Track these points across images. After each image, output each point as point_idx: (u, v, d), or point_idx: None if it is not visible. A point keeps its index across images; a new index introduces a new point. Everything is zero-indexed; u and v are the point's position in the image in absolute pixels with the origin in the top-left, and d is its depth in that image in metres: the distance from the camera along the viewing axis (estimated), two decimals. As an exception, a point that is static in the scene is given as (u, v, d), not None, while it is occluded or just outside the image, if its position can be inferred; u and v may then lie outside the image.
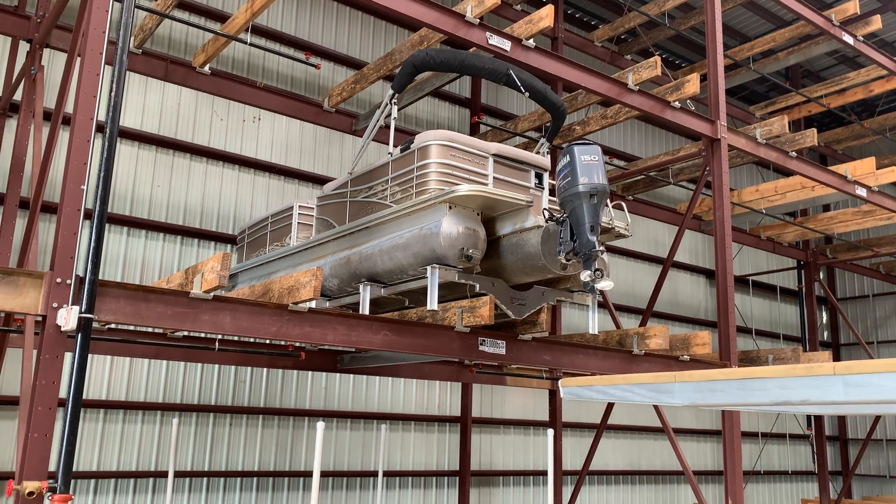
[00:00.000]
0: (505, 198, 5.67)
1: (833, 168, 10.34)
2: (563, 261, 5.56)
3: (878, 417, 14.59)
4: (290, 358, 7.49)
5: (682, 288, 14.96)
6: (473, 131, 11.88)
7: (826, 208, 16.98)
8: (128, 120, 9.26)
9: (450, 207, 5.62)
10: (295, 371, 9.87)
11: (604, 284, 5.37)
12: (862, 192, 10.41)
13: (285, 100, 8.89)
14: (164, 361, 8.97)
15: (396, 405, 10.90)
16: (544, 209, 5.95)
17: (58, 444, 4.27)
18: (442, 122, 12.02)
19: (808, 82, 16.08)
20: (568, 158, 5.49)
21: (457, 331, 6.06)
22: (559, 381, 4.97)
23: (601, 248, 5.43)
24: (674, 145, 15.14)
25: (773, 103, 14.38)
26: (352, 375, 10.40)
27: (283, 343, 7.62)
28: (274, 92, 9.12)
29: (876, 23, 11.39)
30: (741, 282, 15.89)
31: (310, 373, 10.09)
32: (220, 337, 6.94)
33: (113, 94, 4.62)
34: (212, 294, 4.88)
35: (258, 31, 10.20)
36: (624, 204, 6.41)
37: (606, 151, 13.09)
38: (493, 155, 6.13)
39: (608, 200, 6.20)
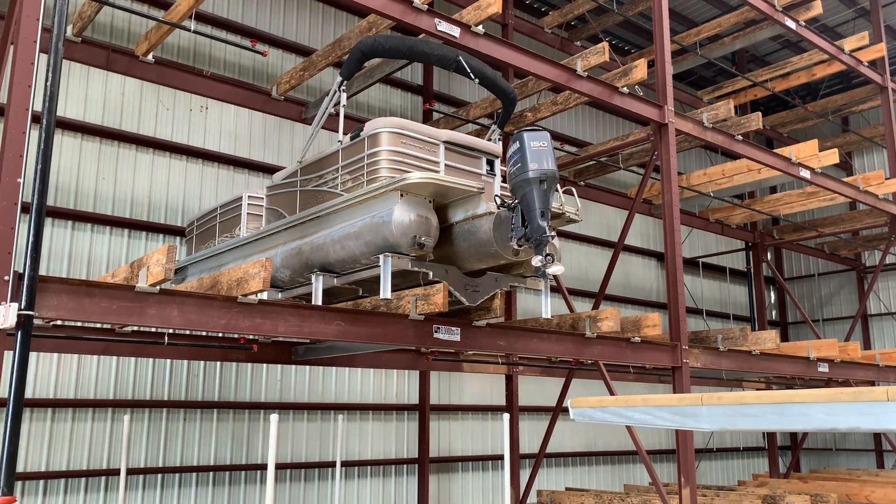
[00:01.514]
0: (457, 185, 5.66)
1: (778, 151, 10.57)
2: (515, 246, 5.59)
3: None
4: (242, 351, 7.39)
5: (633, 271, 15.18)
6: (426, 118, 11.84)
7: (772, 190, 17.37)
8: (70, 111, 8.99)
9: (401, 195, 5.60)
10: (249, 364, 9.75)
11: (555, 269, 5.41)
12: (806, 173, 10.66)
13: (233, 88, 8.74)
14: (114, 357, 8.78)
15: (353, 395, 10.86)
16: (496, 196, 5.97)
17: (0, 445, 4.15)
18: (394, 110, 11.95)
19: (754, 67, 16.39)
20: (518, 145, 5.51)
21: (411, 319, 6.04)
22: (568, 402, 4.75)
23: (552, 233, 5.46)
24: (624, 130, 15.31)
25: (719, 88, 14.62)
26: (307, 367, 10.32)
27: (235, 336, 7.52)
28: (221, 80, 8.97)
29: (817, 8, 11.64)
30: (691, 264, 16.19)
31: (264, 365, 9.98)
32: (169, 331, 6.81)
33: (49, 83, 4.48)
34: (158, 287, 4.78)
35: (203, 18, 9.97)
36: (574, 189, 6.45)
37: (557, 137, 13.18)
38: (444, 142, 6.12)
39: (558, 186, 6.25)
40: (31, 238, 4.32)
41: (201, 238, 8.22)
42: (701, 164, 16.97)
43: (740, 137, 9.81)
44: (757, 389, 15.68)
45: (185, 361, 9.32)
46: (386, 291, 5.56)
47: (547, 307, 6.57)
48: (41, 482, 8.17)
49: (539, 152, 5.45)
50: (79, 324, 7.18)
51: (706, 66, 16.08)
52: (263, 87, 9.78)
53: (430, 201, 5.76)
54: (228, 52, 10.27)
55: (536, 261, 5.34)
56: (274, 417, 5.55)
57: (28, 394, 8.22)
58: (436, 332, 6.15)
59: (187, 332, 7.41)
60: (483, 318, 6.44)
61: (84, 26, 7.32)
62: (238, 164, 10.23)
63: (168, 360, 9.21)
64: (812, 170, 10.73)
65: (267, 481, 5.52)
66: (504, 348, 6.61)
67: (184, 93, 9.65)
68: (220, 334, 8.18)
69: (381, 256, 5.59)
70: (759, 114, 10.01)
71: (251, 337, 7.46)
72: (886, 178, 12.43)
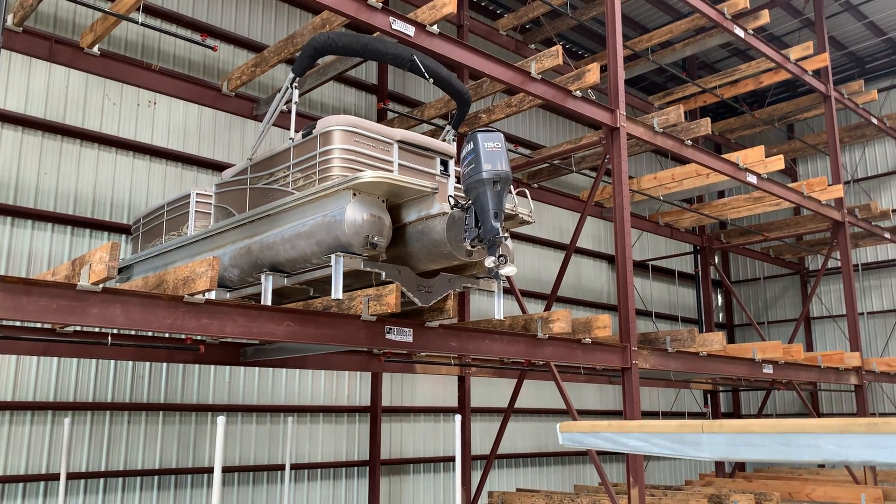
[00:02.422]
0: (410, 185, 5.62)
1: (726, 156, 10.77)
2: (469, 247, 5.57)
3: (768, 393, 15.37)
4: (189, 352, 7.22)
5: (585, 273, 15.32)
6: (380, 118, 11.76)
7: (721, 195, 17.72)
8: (10, 103, 8.69)
9: (354, 194, 5.53)
10: (196, 365, 9.54)
11: (508, 270, 5.41)
12: (752, 179, 10.89)
13: (182, 83, 8.55)
14: (54, 358, 8.51)
15: (304, 397, 10.72)
16: (450, 196, 5.94)
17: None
18: (348, 108, 11.85)
19: (704, 73, 16.71)
20: (472, 145, 5.49)
21: (363, 320, 5.97)
22: (557, 426, 4.62)
23: (505, 234, 5.46)
24: (577, 134, 15.46)
25: (670, 93, 14.87)
26: (256, 368, 10.15)
27: (181, 336, 7.34)
28: (170, 75, 8.76)
29: (764, 17, 11.91)
30: (641, 266, 16.41)
31: (212, 366, 9.79)
32: (113, 331, 6.61)
33: (-14, 73, 4.29)
34: (101, 286, 4.63)
35: (152, 11, 9.75)
36: (527, 191, 6.48)
37: (511, 140, 13.23)
38: (397, 141, 6.07)
39: (512, 187, 6.26)
40: (-36, 234, 4.13)
41: (147, 236, 8.02)
42: (651, 169, 17.23)
43: (690, 142, 9.98)
44: (703, 391, 15.98)
45: (130, 363, 9.09)
46: (337, 292, 5.48)
47: (500, 308, 6.58)
48: (-24, 488, 7.88)
49: (493, 153, 5.44)
50: (17, 323, 6.94)
51: (657, 72, 16.34)
52: (214, 83, 9.59)
53: (383, 201, 5.71)
54: (178, 47, 10.05)
55: (489, 262, 5.33)
56: (221, 420, 5.42)
57: (-38, 396, 7.91)
58: (388, 333, 6.09)
59: (132, 333, 7.22)
60: (436, 318, 6.40)
61: (26, 16, 7.07)
62: (187, 160, 10.02)
63: (112, 361, 8.97)
64: (758, 175, 10.97)
65: (214, 485, 5.40)
66: (456, 349, 6.59)
67: (131, 87, 9.41)
68: (166, 335, 7.99)
69: (333, 256, 5.51)
70: (708, 119, 10.20)
71: (198, 337, 7.30)
72: (829, 185, 12.78)
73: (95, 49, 7.58)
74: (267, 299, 6.05)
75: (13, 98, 8.73)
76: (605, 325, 7.70)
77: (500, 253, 5.34)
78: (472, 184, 5.42)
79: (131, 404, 9.03)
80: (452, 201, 5.78)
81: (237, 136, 10.53)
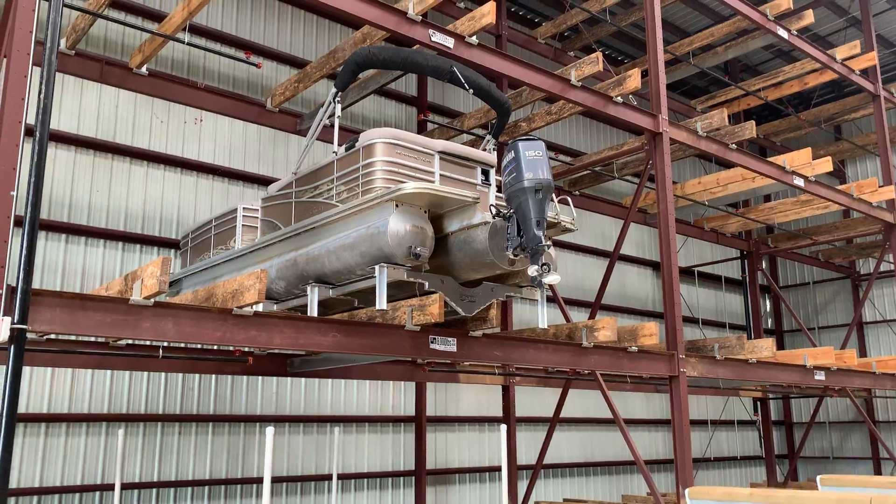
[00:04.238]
0: (452, 195, 5.65)
1: (772, 159, 10.60)
2: (511, 256, 5.57)
3: (820, 400, 15.01)
4: (238, 363, 7.35)
5: (629, 280, 15.17)
6: (420, 129, 11.84)
7: (767, 199, 17.43)
8: (63, 124, 8.97)
9: (396, 206, 5.58)
10: (245, 376, 9.70)
11: (551, 279, 5.40)
12: (799, 181, 10.69)
13: (227, 100, 8.74)
14: (108, 371, 8.72)
15: (350, 407, 10.80)
16: (491, 205, 5.95)
17: (-7, 461, 4.11)
18: (388, 121, 11.96)
19: (747, 76, 16.46)
20: (513, 154, 5.51)
21: (407, 329, 6.02)
22: (686, 492, 4.27)
23: (548, 242, 5.46)
24: (618, 140, 15.34)
25: (713, 97, 14.68)
26: (303, 379, 10.27)
27: (230, 348, 7.47)
28: (215, 92, 8.96)
29: (808, 17, 11.71)
30: (687, 273, 16.20)
31: (260, 378, 9.93)
32: (164, 344, 6.76)
33: (42, 95, 4.46)
34: (152, 300, 4.75)
35: (197, 30, 9.98)
36: (569, 199, 6.45)
37: (552, 148, 13.20)
38: (438, 152, 6.12)
39: (553, 195, 6.26)
40: (24, 251, 4.30)
41: (196, 251, 8.19)
42: (695, 173, 17.00)
43: (734, 146, 9.84)
44: (753, 398, 15.67)
45: (180, 375, 9.26)
46: (382, 302, 5.53)
47: (543, 317, 6.55)
48: (35, 498, 8.10)
49: (534, 161, 5.45)
50: (73, 337, 7.14)
51: (699, 76, 16.14)
52: (258, 100, 9.77)
53: (425, 212, 5.75)
54: (223, 65, 10.27)
55: (532, 270, 5.33)
56: (270, 430, 5.50)
57: (22, 408, 8.16)
58: (432, 342, 6.12)
59: (182, 346, 7.38)
60: (479, 328, 6.42)
61: (77, 39, 7.32)
62: (233, 176, 10.21)
63: (162, 374, 9.15)
64: (806, 178, 10.76)
65: (263, 495, 5.47)
66: (500, 358, 6.59)
67: (178, 105, 9.64)
68: (216, 347, 8.13)
69: (377, 267, 5.57)
70: (753, 122, 10.04)
71: (246, 349, 7.43)
72: (880, 186, 12.46)
73: (144, 69, 7.80)
74: (313, 310, 6.13)
75: (67, 119, 9.01)
76: (651, 333, 7.62)
77: (543, 261, 5.33)
78: (514, 192, 5.43)
79: (182, 415, 9.20)
80: (494, 210, 5.79)
81: (282, 151, 10.70)
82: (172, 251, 9.51)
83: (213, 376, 9.51)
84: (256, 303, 4.98)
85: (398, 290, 6.42)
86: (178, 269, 8.96)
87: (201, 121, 10.02)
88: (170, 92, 8.25)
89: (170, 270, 4.62)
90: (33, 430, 8.24)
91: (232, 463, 9.49)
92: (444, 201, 5.72)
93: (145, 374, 9.01)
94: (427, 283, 5.91)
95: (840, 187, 11.86)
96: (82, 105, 9.14)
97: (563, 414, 12.62)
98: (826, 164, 10.90)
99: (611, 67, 11.98)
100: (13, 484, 7.96)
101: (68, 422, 8.45)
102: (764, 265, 18.06)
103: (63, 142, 8.96)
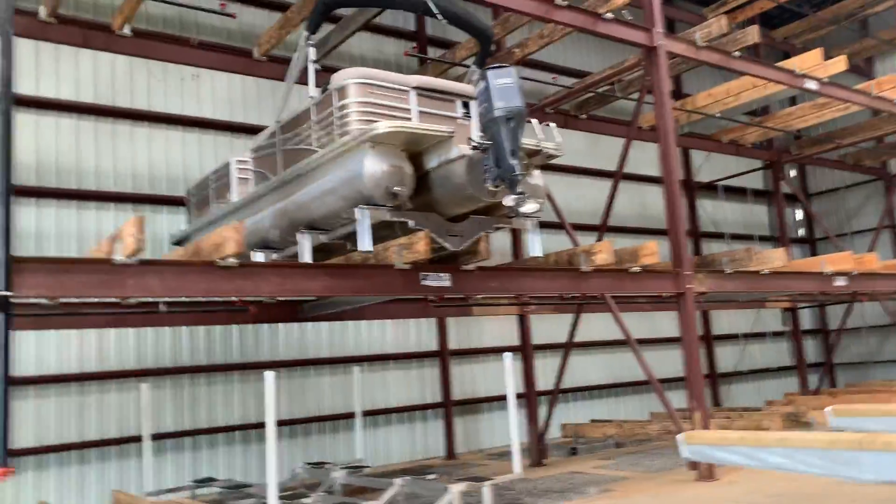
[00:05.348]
0: (425, 131, 5.62)
1: (781, 63, 10.24)
2: (492, 188, 5.53)
3: (850, 306, 14.78)
4: (244, 313, 7.52)
5: (651, 201, 14.93)
6: (421, 64, 11.67)
7: (793, 101, 16.82)
8: (63, 92, 9.09)
9: (372, 146, 5.58)
10: (267, 324, 9.94)
11: (529, 207, 5.37)
12: (812, 84, 10.32)
13: (215, 54, 8.75)
14: (132, 329, 8.99)
15: (374, 346, 11.04)
16: (469, 138, 5.90)
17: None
18: (388, 59, 11.82)
19: (762, -23, 15.72)
20: (484, 84, 5.44)
21: (397, 269, 6.09)
22: (679, 437, 4.15)
23: (523, 171, 5.41)
24: (626, 56, 14.91)
25: (723, 4, 14.10)
26: (325, 322, 10.48)
27: (241, 299, 7.64)
28: (205, 47, 8.95)
29: None
30: (711, 188, 15.89)
31: (283, 325, 10.17)
32: (165, 300, 6.94)
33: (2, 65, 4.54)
34: (137, 259, 4.89)
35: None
36: (553, 123, 6.33)
37: (555, 70, 12.90)
38: (414, 88, 6.05)
39: (537, 121, 6.17)
40: (1, 219, 4.44)
41: (199, 206, 8.33)
42: (716, 82, 16.47)
43: (738, 54, 9.51)
44: (782, 309, 15.50)
45: (203, 328, 9.54)
46: (365, 244, 5.58)
47: (535, 245, 6.52)
48: (75, 452, 8.54)
49: (505, 89, 5.37)
50: (91, 300, 7.39)
51: (712, -18, 15.48)
52: (248, 49, 9.68)
53: (402, 150, 5.74)
54: (215, 18, 10.19)
55: (509, 200, 5.32)
56: (269, 374, 5.70)
57: (52, 370, 8.55)
58: (423, 279, 6.19)
59: (190, 300, 7.57)
60: (471, 261, 6.45)
61: (56, 5, 7.33)
62: (236, 129, 10.28)
63: (186, 329, 9.44)
64: (819, 80, 10.38)
65: (268, 437, 5.70)
66: (496, 289, 6.65)
67: (173, 64, 9.64)
68: (219, 299, 8.34)
69: (357, 209, 5.60)
70: (756, 27, 9.66)
71: (251, 299, 7.59)
72: (902, 82, 11.96)
73: (127, 30, 7.80)
74: (305, 257, 6.21)
75: (66, 87, 9.13)
76: (651, 252, 7.58)
77: (520, 190, 5.31)
78: (487, 123, 5.39)
79: (209, 366, 9.54)
80: (472, 143, 5.74)
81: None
82: (183, 209, 9.68)
83: (236, 327, 9.78)
84: (236, 254, 5.09)
85: (390, 231, 6.46)
86: (184, 225, 9.13)
87: (198, 77, 10.03)
88: (158, 51, 8.29)
89: (144, 229, 4.73)
90: (67, 389, 8.64)
91: (259, 408, 9.81)
92: (420, 138, 5.69)
93: (168, 330, 9.28)
94: (412, 222, 5.94)
95: (859, 86, 11.42)
96: (79, 72, 9.22)
97: (589, 337, 12.66)
98: (839, 64, 10.47)
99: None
100: (52, 440, 8.41)
101: (100, 379, 8.84)
102: (793, 174, 17.61)
103: (65, 110, 9.09)
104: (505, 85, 5.38)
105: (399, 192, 5.57)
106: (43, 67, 8.97)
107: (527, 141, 5.94)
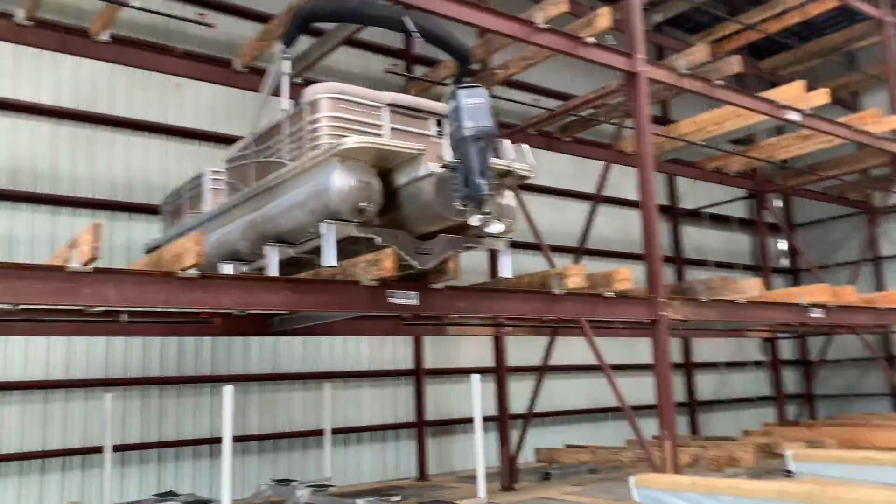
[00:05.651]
0: (394, 147, 5.59)
1: (764, 94, 10.28)
2: (460, 207, 5.50)
3: (828, 339, 14.75)
4: (214, 325, 7.42)
5: (634, 225, 14.92)
6: (409, 82, 11.66)
7: (779, 132, 16.88)
8: (43, 96, 9.04)
9: (341, 161, 5.54)
10: (240, 337, 9.84)
11: (495, 228, 5.35)
12: (795, 116, 10.36)
13: (196, 64, 8.71)
14: (102, 339, 8.88)
15: (349, 362, 10.93)
16: (441, 157, 5.87)
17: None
18: (375, 76, 11.80)
19: (750, 8, 15.85)
20: (454, 103, 5.42)
21: (364, 285, 6.02)
22: (630, 479, 4.28)
23: (492, 191, 5.37)
24: (612, 79, 14.98)
25: (709, 34, 14.19)
26: (301, 337, 10.38)
27: (205, 311, 7.54)
28: (187, 57, 8.92)
29: (804, -58, 11.22)
30: (696, 215, 15.91)
31: (257, 338, 10.07)
32: (125, 309, 6.83)
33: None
34: (92, 266, 4.82)
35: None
36: (526, 145, 6.30)
37: (540, 92, 12.91)
38: (387, 104, 6.03)
39: (509, 142, 6.15)
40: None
41: (174, 215, 8.28)
42: (702, 111, 16.54)
43: (720, 82, 9.54)
44: (762, 339, 15.48)
45: (175, 339, 9.43)
46: (329, 259, 5.53)
47: (506, 266, 6.48)
48: (39, 461, 8.40)
49: (475, 109, 5.36)
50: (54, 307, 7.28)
51: (701, 13, 15.60)
52: (228, 59, 9.64)
53: (371, 166, 5.70)
54: (200, 28, 10.17)
55: (475, 220, 5.28)
56: (227, 389, 5.61)
57: (20, 376, 8.42)
58: (391, 297, 6.13)
59: (162, 310, 7.46)
60: (440, 280, 6.40)
61: (33, 8, 7.27)
62: (217, 139, 10.21)
63: (157, 339, 9.32)
64: (801, 111, 10.42)
65: (223, 452, 5.60)
66: (465, 309, 6.58)
67: (156, 73, 9.59)
68: (182, 310, 8.23)
69: (322, 224, 5.55)
70: (739, 57, 9.72)
71: (224, 311, 7.48)
72: (885, 116, 12.02)
73: (105, 36, 7.75)
74: (271, 270, 6.16)
75: (45, 91, 9.07)
76: (625, 278, 7.54)
77: (486, 210, 5.27)
78: (457, 142, 5.37)
79: (179, 377, 9.41)
80: (442, 161, 5.71)
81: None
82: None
83: (208, 339, 9.67)
84: (195, 265, 5.02)
85: (361, 247, 6.41)
86: (160, 234, 9.06)
87: (179, 86, 9.98)
88: (137, 59, 8.23)
89: (101, 237, 4.66)
90: (31, 396, 8.50)
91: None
92: (389, 154, 5.66)
93: (139, 340, 9.17)
94: (380, 238, 5.89)
95: (842, 119, 11.47)
96: (60, 76, 9.17)
97: (570, 361, 12.58)
98: (821, 97, 10.53)
99: (587, 2, 11.63)
100: (15, 448, 8.27)
101: (66, 388, 8.70)
102: (779, 204, 17.64)
103: (44, 114, 9.04)
104: (475, 105, 5.37)
105: (366, 207, 5.53)
106: (22, 70, 8.92)
107: (498, 161, 5.92)
